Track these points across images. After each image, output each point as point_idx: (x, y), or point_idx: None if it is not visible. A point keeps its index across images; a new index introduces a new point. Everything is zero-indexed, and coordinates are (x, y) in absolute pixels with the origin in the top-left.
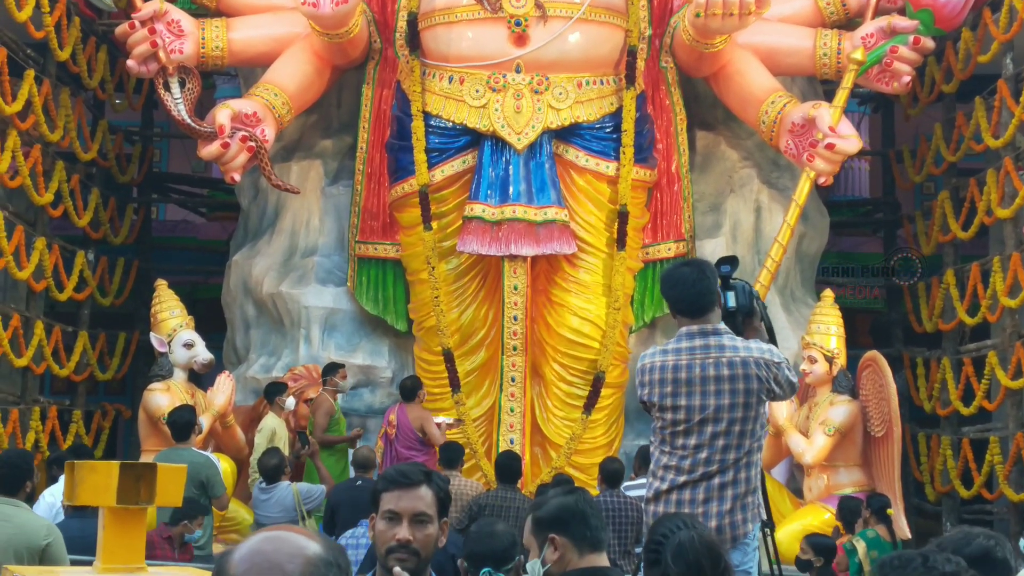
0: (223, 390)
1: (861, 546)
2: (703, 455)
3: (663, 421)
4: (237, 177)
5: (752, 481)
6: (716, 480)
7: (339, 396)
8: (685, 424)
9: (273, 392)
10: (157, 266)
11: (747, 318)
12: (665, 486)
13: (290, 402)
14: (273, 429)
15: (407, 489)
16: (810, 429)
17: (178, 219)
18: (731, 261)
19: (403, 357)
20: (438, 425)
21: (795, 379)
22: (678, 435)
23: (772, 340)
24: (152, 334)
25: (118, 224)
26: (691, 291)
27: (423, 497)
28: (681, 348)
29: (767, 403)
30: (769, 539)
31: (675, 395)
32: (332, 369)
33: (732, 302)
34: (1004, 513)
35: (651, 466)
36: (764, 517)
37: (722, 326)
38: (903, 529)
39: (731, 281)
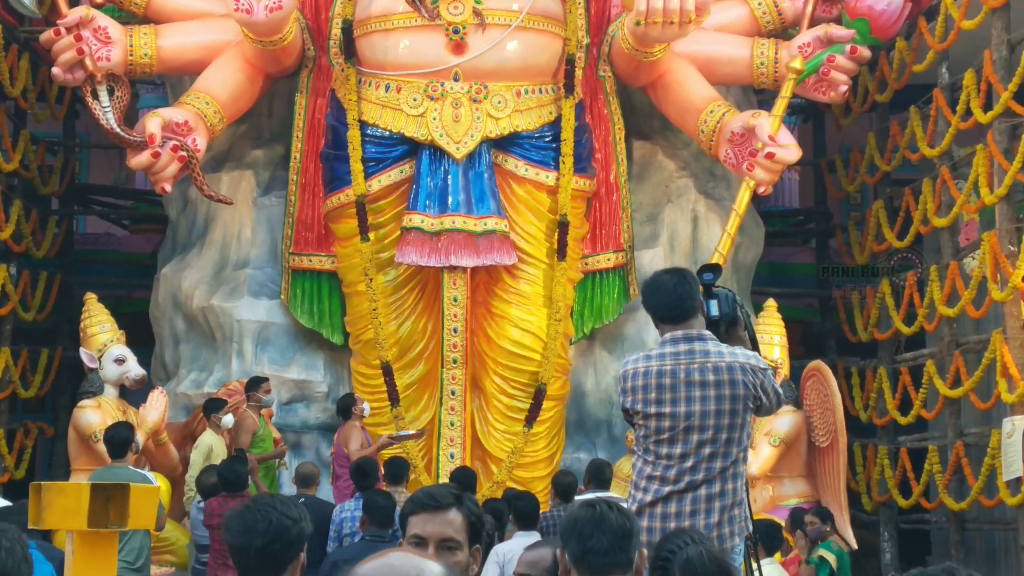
0: (156, 407)
1: (832, 558)
2: (688, 464)
3: (646, 429)
4: (168, 188)
5: (739, 492)
6: (703, 491)
7: (272, 408)
8: (670, 432)
9: (210, 408)
10: (80, 280)
11: (731, 327)
12: (649, 498)
13: (228, 419)
14: (210, 446)
15: (435, 512)
16: (755, 440)
17: (100, 232)
18: (714, 269)
19: (339, 371)
20: (395, 437)
21: (781, 391)
22: (662, 443)
23: (755, 348)
24: (82, 349)
25: (40, 237)
26: (671, 296)
27: (451, 522)
28: (665, 353)
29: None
30: (754, 553)
31: (659, 402)
32: (255, 384)
33: (715, 311)
34: (943, 523)
35: (633, 477)
36: (750, 530)
37: (706, 332)
38: (849, 540)
39: (714, 289)
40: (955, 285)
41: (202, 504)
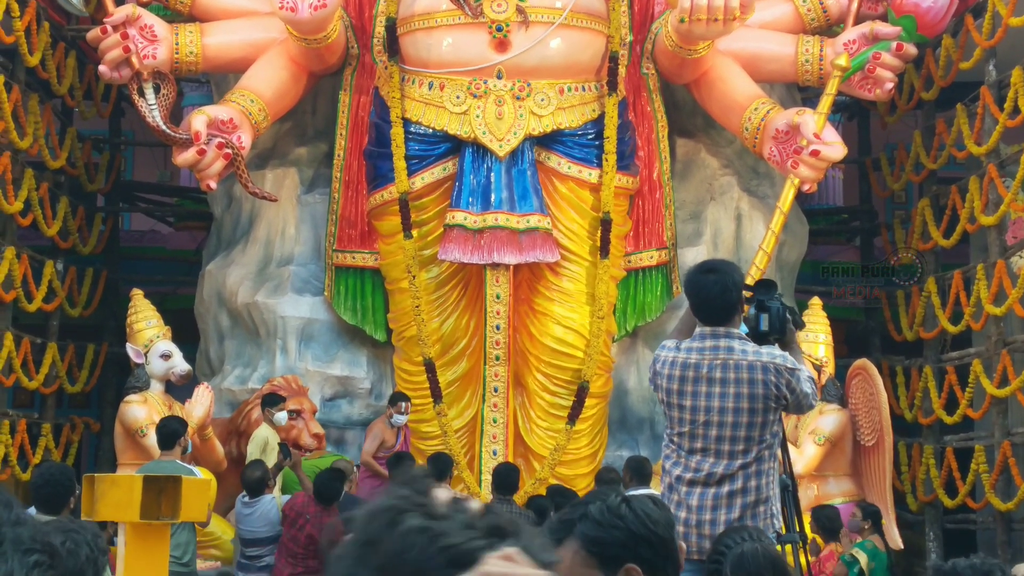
0: (201, 402)
1: (863, 557)
2: (709, 458)
3: (670, 419)
4: (213, 185)
5: (763, 490)
6: (725, 487)
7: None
8: (690, 425)
9: (267, 403)
10: (125, 276)
11: (779, 340)
12: (672, 481)
13: (281, 416)
14: (265, 439)
15: None
16: (799, 438)
17: (145, 229)
18: (768, 285)
19: (382, 368)
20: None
21: (809, 390)
22: (684, 436)
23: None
24: (128, 345)
25: (86, 233)
26: (713, 304)
27: None
28: (692, 347)
29: (778, 411)
30: (801, 553)
31: (680, 393)
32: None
33: (765, 325)
34: (990, 523)
35: (662, 463)
36: (778, 529)
37: (735, 331)
38: (895, 540)
39: (767, 303)
40: (1002, 284)
41: (246, 498)
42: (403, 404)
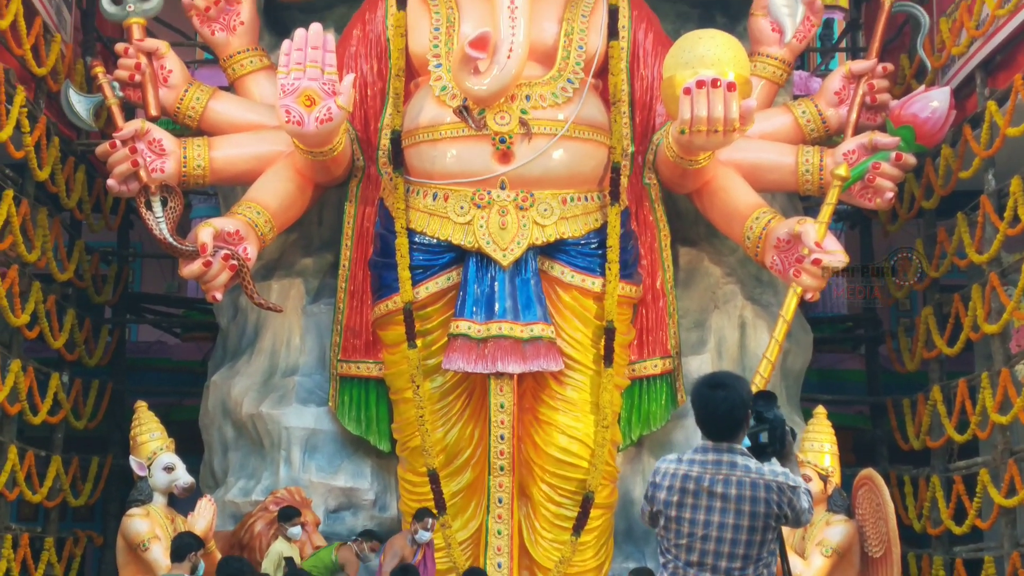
0: (204, 515)
1: None
2: (705, 573)
3: (667, 531)
4: (219, 296)
5: None
6: None
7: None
8: (688, 539)
9: (281, 518)
10: (131, 388)
11: (778, 453)
12: None
13: (295, 531)
14: (280, 553)
15: None
16: (806, 550)
17: (152, 340)
18: (768, 398)
19: (386, 478)
20: None
21: (807, 506)
22: (681, 548)
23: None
24: (132, 458)
25: (92, 345)
26: (720, 422)
27: None
28: (694, 460)
29: (776, 528)
30: None
31: (680, 506)
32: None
33: (764, 439)
34: None
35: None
36: None
37: (738, 446)
38: None
39: (766, 415)
40: (1007, 392)
41: None
42: (429, 520)
